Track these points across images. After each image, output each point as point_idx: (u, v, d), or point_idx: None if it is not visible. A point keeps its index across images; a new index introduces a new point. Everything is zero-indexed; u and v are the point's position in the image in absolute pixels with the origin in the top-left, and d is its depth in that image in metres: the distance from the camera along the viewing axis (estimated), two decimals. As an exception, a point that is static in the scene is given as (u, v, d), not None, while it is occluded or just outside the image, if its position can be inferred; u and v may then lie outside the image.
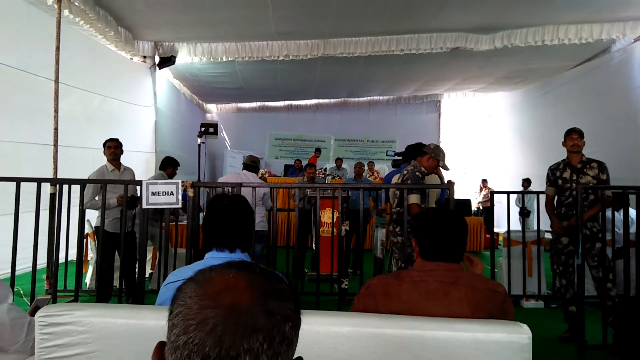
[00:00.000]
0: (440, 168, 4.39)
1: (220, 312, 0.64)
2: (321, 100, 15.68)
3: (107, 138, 5.04)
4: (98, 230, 4.56)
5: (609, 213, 5.22)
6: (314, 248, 6.46)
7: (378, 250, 5.90)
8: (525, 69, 10.88)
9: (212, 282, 0.68)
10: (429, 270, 1.76)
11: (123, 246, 4.42)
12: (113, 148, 4.91)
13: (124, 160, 5.14)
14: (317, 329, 1.61)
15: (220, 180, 5.95)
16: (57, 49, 5.41)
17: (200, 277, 0.70)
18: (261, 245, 5.30)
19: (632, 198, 4.62)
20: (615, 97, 8.87)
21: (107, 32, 7.18)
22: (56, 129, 5.36)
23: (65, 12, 5.83)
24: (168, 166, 5.82)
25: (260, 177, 6.75)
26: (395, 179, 5.01)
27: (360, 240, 6.19)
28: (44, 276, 4.83)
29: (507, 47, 8.50)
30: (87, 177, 4.74)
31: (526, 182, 10.66)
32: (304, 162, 10.62)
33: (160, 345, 0.70)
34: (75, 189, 4.47)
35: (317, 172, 9.14)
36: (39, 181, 4.13)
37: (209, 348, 0.62)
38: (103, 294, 4.56)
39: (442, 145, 5.32)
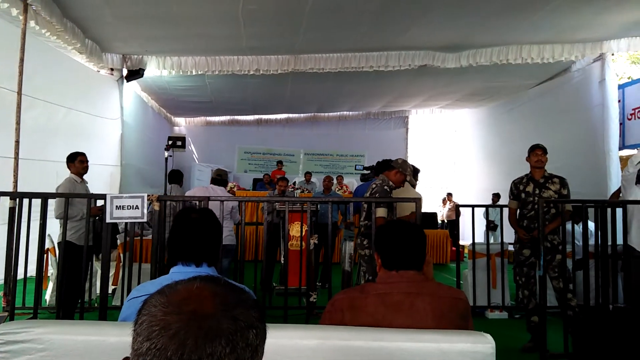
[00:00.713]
0: (407, 182, 4.46)
1: (184, 317, 0.64)
2: (291, 115, 15.72)
3: (74, 152, 4.95)
4: (60, 245, 4.43)
5: (569, 226, 5.39)
6: (282, 262, 6.43)
7: (346, 263, 5.92)
8: (490, 86, 11.19)
9: (177, 292, 0.69)
10: (393, 283, 1.78)
11: (85, 258, 4.27)
12: (85, 162, 4.99)
13: (88, 173, 5.03)
14: (283, 342, 1.60)
15: (187, 193, 5.88)
16: (21, 60, 5.29)
17: (165, 289, 0.71)
18: (229, 259, 5.25)
19: (591, 211, 4.79)
20: (575, 114, 9.19)
21: (74, 43, 7.04)
22: (17, 142, 5.21)
23: (32, 24, 5.71)
24: (180, 179, 6.59)
25: (228, 191, 6.70)
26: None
27: (328, 253, 6.21)
28: (1, 293, 4.65)
29: (472, 65, 8.73)
30: (54, 189, 4.63)
31: (496, 196, 10.88)
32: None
33: (126, 359, 0.69)
34: (36, 202, 4.34)
35: (287, 187, 9.14)
36: (-3, 194, 4.00)
37: (172, 352, 0.62)
38: (69, 308, 4.41)
39: (409, 160, 5.41)
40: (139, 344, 0.65)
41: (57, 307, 4.24)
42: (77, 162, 4.87)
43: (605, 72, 8.45)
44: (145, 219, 3.90)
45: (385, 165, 4.93)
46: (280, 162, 13.70)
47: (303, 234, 5.05)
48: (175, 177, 6.75)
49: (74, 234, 4.55)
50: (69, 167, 4.91)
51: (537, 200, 4.11)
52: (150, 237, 4.78)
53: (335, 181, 11.61)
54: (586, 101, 8.90)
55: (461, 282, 5.64)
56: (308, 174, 12.48)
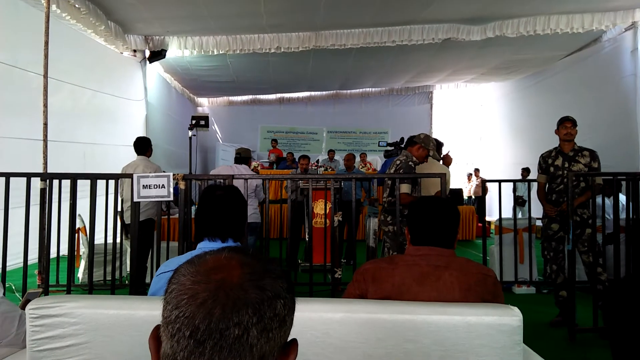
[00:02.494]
0: (431, 157, 4.41)
1: (211, 286, 0.64)
2: (313, 93, 15.65)
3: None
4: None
5: (599, 200, 5.26)
6: (307, 239, 6.46)
7: (370, 239, 5.92)
8: (516, 59, 10.90)
9: (205, 261, 0.69)
10: (422, 255, 1.77)
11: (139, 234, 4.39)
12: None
13: (114, 154, 5.12)
14: (310, 315, 1.61)
15: (212, 172, 5.93)
16: (46, 43, 5.35)
17: (195, 259, 0.71)
18: (254, 237, 5.30)
19: (623, 184, 4.66)
20: (606, 86, 8.92)
21: (98, 26, 7.11)
22: (46, 124, 5.30)
23: (53, 7, 5.76)
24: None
25: (252, 170, 6.74)
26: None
27: (352, 230, 6.22)
28: (36, 271, 4.80)
29: (498, 37, 8.51)
30: (84, 169, 4.72)
31: (525, 171, 10.66)
32: (297, 155, 10.63)
33: (157, 328, 0.70)
34: (66, 183, 4.44)
35: (310, 165, 9.14)
36: (28, 176, 4.10)
37: (199, 321, 0.62)
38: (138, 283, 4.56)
39: (434, 136, 5.35)
40: (168, 312, 0.66)
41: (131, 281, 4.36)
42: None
43: (638, 41, 8.15)
44: (171, 198, 3.95)
45: (409, 141, 4.88)
46: (274, 140, 13.83)
47: (327, 211, 5.06)
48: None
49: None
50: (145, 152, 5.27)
51: (567, 174, 4.01)
52: (177, 215, 4.86)
53: (358, 159, 11.57)
54: (617, 72, 8.61)
55: (488, 257, 5.58)
56: (331, 152, 12.44)
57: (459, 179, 13.87)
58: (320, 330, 1.60)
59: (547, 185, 4.42)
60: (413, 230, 1.85)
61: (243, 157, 5.46)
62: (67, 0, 6.12)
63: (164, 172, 4.68)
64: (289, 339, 0.72)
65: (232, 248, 0.73)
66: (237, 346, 0.62)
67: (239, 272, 0.67)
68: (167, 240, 4.65)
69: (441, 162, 5.48)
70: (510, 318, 1.60)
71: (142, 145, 5.36)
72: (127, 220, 4.75)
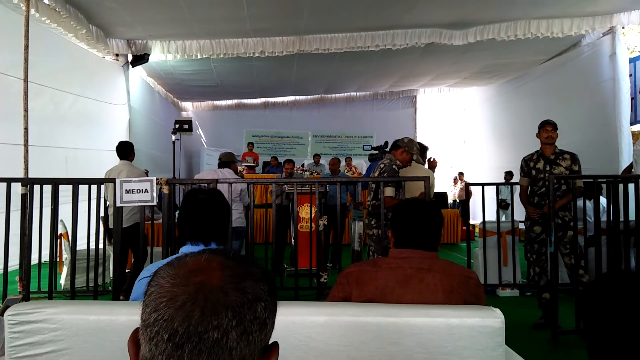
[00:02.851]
0: (414, 161, 4.44)
1: (190, 288, 0.64)
2: (298, 97, 15.65)
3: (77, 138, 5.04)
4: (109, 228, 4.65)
5: (580, 202, 5.34)
6: (292, 243, 6.45)
7: (355, 243, 5.94)
8: (498, 63, 11.04)
9: (185, 264, 0.68)
10: (405, 257, 1.78)
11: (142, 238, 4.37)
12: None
13: (96, 159, 5.06)
14: (293, 319, 1.61)
15: (196, 176, 5.90)
16: (26, 47, 5.27)
17: (175, 261, 0.70)
18: (239, 242, 5.28)
19: (603, 187, 4.74)
20: (586, 90, 9.06)
21: (78, 30, 7.03)
22: (26, 129, 5.22)
23: (32, 11, 5.69)
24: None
25: (237, 174, 6.71)
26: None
27: (338, 234, 6.24)
28: (17, 278, 4.72)
29: (480, 42, 8.61)
30: (65, 174, 4.66)
31: (508, 174, 10.76)
32: (281, 159, 10.62)
33: (136, 331, 0.70)
34: (47, 188, 4.37)
35: (295, 169, 9.13)
36: (9, 181, 4.04)
37: (178, 324, 0.61)
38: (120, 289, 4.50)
39: (418, 140, 5.39)
40: (147, 315, 0.65)
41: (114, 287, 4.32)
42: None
43: (616, 46, 8.30)
44: (154, 202, 3.91)
45: (393, 145, 4.91)
46: (251, 144, 13.90)
47: (312, 215, 5.06)
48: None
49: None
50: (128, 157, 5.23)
51: (548, 177, 4.07)
52: (160, 221, 4.83)
53: (344, 163, 11.60)
54: (597, 76, 8.76)
55: (472, 260, 5.63)
56: (317, 156, 12.46)
57: (444, 183, 13.96)
58: (303, 333, 1.60)
59: (529, 188, 4.47)
60: (396, 233, 1.86)
61: (224, 161, 5.44)
62: (46, 4, 6.04)
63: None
64: (270, 342, 0.71)
65: (212, 250, 0.72)
66: (216, 349, 0.62)
67: (219, 275, 0.66)
68: (152, 245, 4.61)
69: (426, 166, 5.52)
70: (492, 320, 1.61)
71: (125, 150, 5.32)
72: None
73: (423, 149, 5.14)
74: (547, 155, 4.32)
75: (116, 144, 5.44)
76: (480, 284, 1.84)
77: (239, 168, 10.55)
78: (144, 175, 4.91)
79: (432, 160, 5.76)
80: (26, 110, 5.17)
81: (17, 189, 4.15)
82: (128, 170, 5.10)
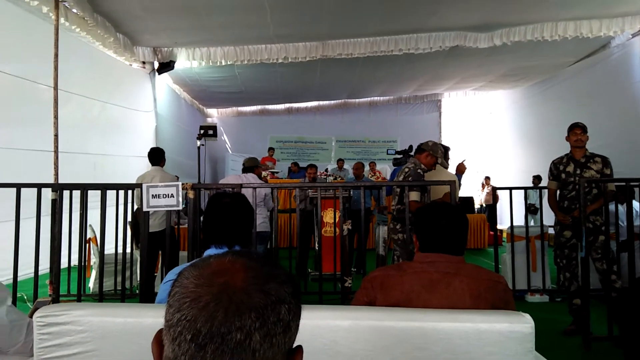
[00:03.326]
0: (439, 164, 4.39)
1: (214, 289, 0.64)
2: (321, 102, 15.69)
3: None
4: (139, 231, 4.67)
5: (612, 207, 5.20)
6: (316, 248, 6.44)
7: (380, 247, 5.89)
8: (524, 66, 10.86)
9: (209, 265, 0.69)
10: (431, 262, 1.75)
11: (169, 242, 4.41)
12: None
13: (124, 165, 5.15)
14: (317, 323, 1.60)
15: (221, 181, 5.95)
16: (56, 55, 5.43)
17: (199, 262, 0.71)
18: (263, 246, 5.29)
19: (636, 191, 4.61)
20: (616, 92, 8.85)
21: (106, 38, 7.20)
22: (56, 136, 5.37)
23: (62, 20, 5.84)
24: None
25: (261, 179, 6.74)
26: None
27: (362, 239, 6.21)
28: (47, 281, 4.82)
29: (506, 44, 8.48)
30: (94, 180, 4.75)
31: (536, 178, 10.57)
32: (304, 164, 10.64)
33: (160, 332, 0.70)
34: (76, 194, 4.47)
35: (318, 174, 9.13)
36: (39, 187, 4.13)
37: (201, 324, 0.61)
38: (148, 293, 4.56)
39: (444, 143, 5.34)
40: (170, 315, 0.65)
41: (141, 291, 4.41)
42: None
43: (647, 47, 8.09)
44: (180, 207, 3.95)
45: (417, 149, 4.87)
46: (271, 149, 13.78)
47: (336, 220, 5.04)
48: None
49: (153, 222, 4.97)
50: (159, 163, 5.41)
51: (579, 181, 3.97)
52: (186, 225, 4.88)
53: (368, 167, 11.55)
54: (626, 78, 8.55)
55: (500, 266, 5.52)
56: (340, 161, 12.45)
57: (471, 187, 13.77)
58: (328, 337, 1.58)
59: (558, 192, 4.37)
60: (421, 237, 1.83)
61: (247, 167, 5.48)
62: (75, 13, 6.19)
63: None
64: (295, 345, 0.70)
65: (236, 252, 0.72)
66: (239, 351, 0.61)
67: (242, 276, 0.66)
68: (178, 250, 4.65)
69: (454, 170, 5.46)
70: (522, 325, 1.57)
71: (157, 156, 5.44)
72: (150, 229, 4.76)
73: (446, 149, 5.08)
74: (577, 158, 4.22)
75: (143, 150, 5.55)
76: (508, 289, 1.79)
77: (263, 173, 10.60)
78: (176, 180, 4.96)
79: (461, 164, 5.69)
80: (56, 117, 5.31)
81: (47, 194, 4.24)
82: (161, 176, 5.18)
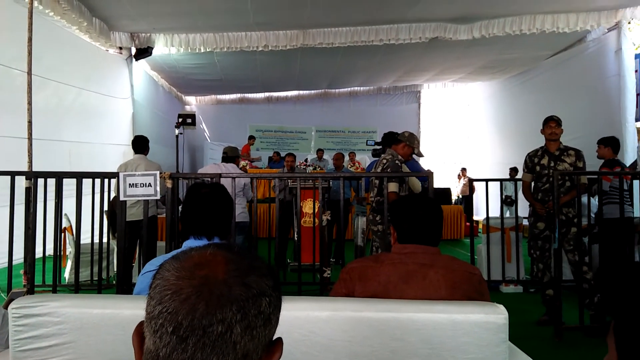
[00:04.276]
0: (415, 155, 4.43)
1: (195, 282, 0.64)
2: (302, 92, 15.62)
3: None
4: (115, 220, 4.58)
5: (584, 199, 5.33)
6: (295, 239, 6.46)
7: (359, 238, 5.94)
8: (502, 58, 10.98)
9: (190, 257, 0.69)
10: (408, 253, 1.77)
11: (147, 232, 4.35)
12: None
13: (100, 153, 5.07)
14: (296, 314, 1.61)
15: (199, 171, 5.90)
16: (30, 40, 5.27)
17: (180, 255, 0.71)
18: (242, 237, 5.28)
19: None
20: (591, 85, 9.00)
21: (81, 23, 7.02)
22: (30, 122, 5.22)
23: (35, 3, 5.68)
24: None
25: (240, 169, 6.70)
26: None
27: (341, 230, 6.25)
28: (21, 271, 4.74)
29: (485, 37, 8.55)
30: (69, 168, 4.67)
31: (513, 170, 10.69)
32: (284, 154, 10.61)
33: (140, 324, 0.70)
34: (51, 182, 4.39)
35: (298, 164, 9.11)
36: (12, 174, 4.05)
37: (182, 316, 0.61)
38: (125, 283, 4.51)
39: (421, 135, 5.37)
40: (151, 308, 0.65)
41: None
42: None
43: (622, 42, 8.24)
44: (158, 196, 3.92)
45: (392, 138, 4.90)
46: (252, 137, 13.48)
47: (315, 210, 5.06)
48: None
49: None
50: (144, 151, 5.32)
51: (552, 173, 4.05)
52: (164, 215, 4.84)
53: (347, 158, 11.57)
54: (602, 72, 8.71)
55: (475, 257, 5.62)
56: (320, 151, 12.44)
57: (448, 179, 13.94)
58: (306, 328, 1.60)
59: (532, 184, 4.46)
60: (398, 228, 1.86)
61: (230, 156, 5.43)
62: (51, -3, 6.03)
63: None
64: (274, 337, 0.71)
65: (217, 244, 0.72)
66: (220, 343, 0.62)
67: (223, 269, 0.66)
68: (155, 240, 4.61)
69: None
70: (496, 316, 1.61)
71: (141, 144, 5.38)
72: (130, 218, 4.70)
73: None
74: (552, 151, 4.30)
75: (119, 138, 5.48)
76: (483, 280, 1.83)
77: (242, 163, 10.55)
78: (161, 169, 4.90)
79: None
80: (30, 103, 5.18)
81: (21, 182, 4.16)
82: (145, 164, 5.11)
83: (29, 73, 5.13)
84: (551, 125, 4.28)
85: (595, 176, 4.27)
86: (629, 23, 8.49)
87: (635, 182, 4.13)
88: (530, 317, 4.37)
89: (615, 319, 0.86)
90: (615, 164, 5.07)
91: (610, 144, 5.26)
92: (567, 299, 4.15)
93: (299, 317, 1.61)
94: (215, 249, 0.70)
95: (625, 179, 4.62)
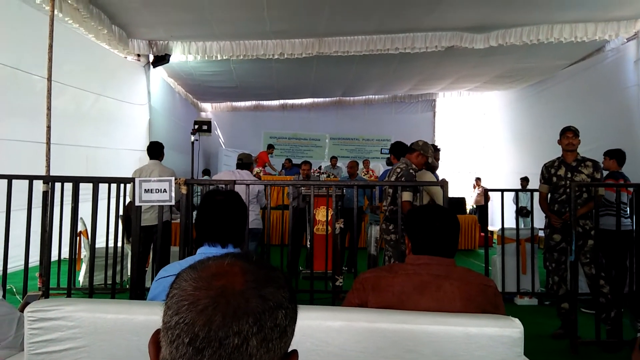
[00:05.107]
0: (430, 164, 4.41)
1: (212, 293, 0.64)
2: (316, 99, 15.67)
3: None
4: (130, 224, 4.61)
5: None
6: (308, 246, 6.45)
7: (372, 247, 5.91)
8: (519, 68, 10.91)
9: (208, 267, 0.69)
10: (422, 264, 1.76)
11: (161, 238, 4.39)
12: None
13: (116, 158, 5.13)
14: (309, 323, 1.60)
15: (214, 177, 5.93)
16: (50, 46, 5.38)
17: (197, 264, 0.71)
18: (255, 243, 5.28)
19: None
20: (609, 96, 8.90)
21: (100, 30, 7.14)
22: (49, 127, 5.32)
23: (55, 11, 5.79)
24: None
25: (255, 176, 6.73)
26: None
27: (354, 238, 6.23)
28: (37, 274, 4.80)
29: (501, 45, 8.52)
30: (86, 173, 4.72)
31: (524, 180, 10.62)
32: (297, 161, 10.63)
33: (157, 332, 0.70)
34: (68, 186, 4.45)
35: (312, 171, 9.11)
36: (31, 178, 4.11)
37: (199, 328, 0.61)
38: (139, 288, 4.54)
39: (436, 144, 5.35)
40: (168, 318, 0.65)
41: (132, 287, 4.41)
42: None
43: (641, 52, 8.14)
44: (173, 202, 3.95)
45: (401, 148, 4.88)
46: (271, 146, 13.27)
47: (329, 218, 5.05)
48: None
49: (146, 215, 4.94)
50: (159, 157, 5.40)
51: (569, 184, 4.00)
52: (179, 220, 4.87)
53: (361, 165, 11.56)
54: (621, 82, 8.60)
55: (490, 267, 5.56)
56: (334, 159, 12.45)
57: (463, 188, 13.83)
58: (319, 338, 1.59)
59: (549, 196, 4.41)
60: (414, 239, 1.84)
61: (245, 162, 5.46)
62: (70, 4, 6.14)
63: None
64: (290, 349, 0.71)
65: (235, 254, 0.72)
66: (236, 356, 0.62)
67: (241, 280, 0.66)
68: (169, 246, 4.64)
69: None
70: (511, 330, 1.58)
71: (156, 150, 5.44)
72: (145, 223, 4.74)
73: (435, 149, 5.09)
74: (569, 162, 4.25)
75: (135, 143, 5.53)
76: (498, 293, 1.81)
77: (256, 170, 10.59)
78: (175, 174, 4.94)
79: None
80: (49, 108, 5.27)
81: (38, 186, 4.22)
82: (160, 170, 5.16)
83: (49, 79, 5.23)
84: (568, 135, 4.23)
85: (614, 188, 4.21)
86: (649, 33, 8.39)
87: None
88: (545, 330, 4.31)
89: None
90: (619, 177, 5.02)
91: (616, 157, 5.20)
92: (583, 312, 4.08)
93: (312, 327, 1.60)
94: (232, 259, 0.70)
95: (623, 192, 4.58)
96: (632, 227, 4.20)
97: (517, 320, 1.61)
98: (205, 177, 11.68)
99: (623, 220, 4.49)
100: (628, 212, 4.75)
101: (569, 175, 4.20)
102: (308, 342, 1.58)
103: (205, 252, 1.83)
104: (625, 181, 4.96)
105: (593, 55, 9.65)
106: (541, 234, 5.11)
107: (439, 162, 5.39)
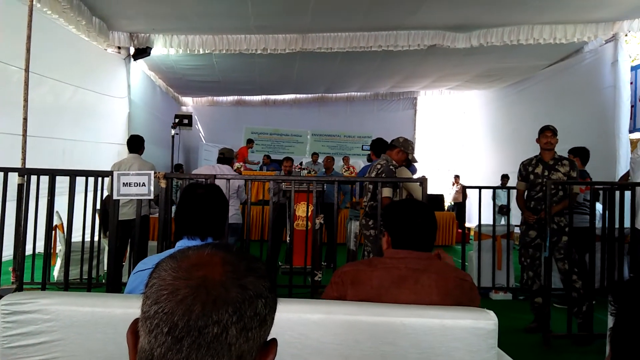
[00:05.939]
0: (410, 160, 4.45)
1: (192, 282, 0.64)
2: (299, 95, 15.66)
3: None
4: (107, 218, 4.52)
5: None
6: (288, 241, 6.45)
7: (351, 242, 5.94)
8: (500, 67, 11.05)
9: (188, 257, 0.68)
10: (401, 258, 1.78)
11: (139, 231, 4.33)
12: None
13: (94, 151, 5.05)
14: (288, 316, 1.61)
15: (194, 172, 5.89)
16: (29, 37, 5.25)
17: (177, 254, 0.70)
18: (235, 238, 5.27)
19: (600, 194, 4.76)
20: (587, 96, 9.07)
21: (80, 21, 7.02)
22: (25, 119, 5.21)
23: (34, 1, 5.67)
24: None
25: (235, 171, 6.69)
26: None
27: (333, 233, 6.25)
28: (10, 268, 4.71)
29: (483, 45, 8.62)
30: (63, 166, 4.65)
31: (504, 177, 10.76)
32: (279, 157, 10.61)
33: (135, 322, 0.69)
34: (44, 179, 4.37)
35: (294, 167, 9.11)
36: (5, 171, 4.02)
37: (178, 317, 0.61)
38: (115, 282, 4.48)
39: (416, 141, 5.39)
40: (147, 307, 0.65)
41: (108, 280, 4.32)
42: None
43: (618, 54, 8.31)
44: (151, 196, 3.91)
45: (381, 145, 4.91)
46: (250, 141, 13.50)
47: (309, 213, 5.06)
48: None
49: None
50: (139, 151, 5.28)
51: (546, 182, 4.08)
52: (157, 215, 4.83)
53: (341, 162, 11.60)
54: (598, 83, 8.77)
55: (466, 263, 5.64)
56: (315, 155, 12.47)
57: (442, 185, 13.98)
58: (298, 331, 1.60)
59: (526, 193, 4.49)
60: (393, 233, 1.86)
61: (226, 157, 5.43)
62: (50, -6, 6.03)
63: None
64: (269, 338, 0.71)
65: (215, 245, 0.72)
66: (216, 345, 0.62)
67: (221, 270, 0.66)
68: (147, 240, 4.60)
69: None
70: (486, 322, 1.61)
71: (136, 143, 5.35)
72: (123, 217, 4.68)
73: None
74: (546, 160, 4.33)
75: (114, 137, 5.47)
76: (474, 287, 1.84)
77: (237, 165, 10.54)
78: (155, 169, 4.88)
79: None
80: (26, 100, 5.16)
81: (13, 179, 4.14)
82: (139, 164, 5.09)
83: (27, 70, 5.11)
84: (547, 134, 4.30)
85: (588, 186, 4.32)
86: (626, 35, 8.57)
87: (627, 193, 4.16)
88: (518, 324, 4.39)
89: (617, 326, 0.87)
90: (584, 175, 5.15)
91: (580, 155, 5.32)
92: (556, 307, 4.17)
93: (291, 320, 1.61)
94: (213, 249, 0.70)
95: (588, 190, 4.71)
96: (589, 224, 4.32)
97: (491, 313, 1.64)
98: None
99: (581, 217, 4.64)
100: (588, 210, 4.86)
101: (546, 173, 4.28)
102: (287, 335, 1.59)
103: (184, 245, 1.81)
104: (588, 179, 5.09)
105: (572, 56, 9.83)
106: (517, 230, 5.20)
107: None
